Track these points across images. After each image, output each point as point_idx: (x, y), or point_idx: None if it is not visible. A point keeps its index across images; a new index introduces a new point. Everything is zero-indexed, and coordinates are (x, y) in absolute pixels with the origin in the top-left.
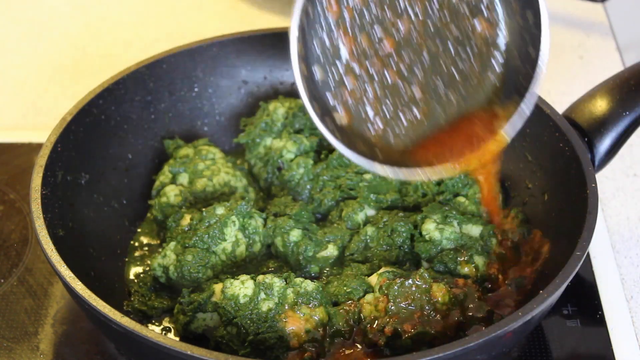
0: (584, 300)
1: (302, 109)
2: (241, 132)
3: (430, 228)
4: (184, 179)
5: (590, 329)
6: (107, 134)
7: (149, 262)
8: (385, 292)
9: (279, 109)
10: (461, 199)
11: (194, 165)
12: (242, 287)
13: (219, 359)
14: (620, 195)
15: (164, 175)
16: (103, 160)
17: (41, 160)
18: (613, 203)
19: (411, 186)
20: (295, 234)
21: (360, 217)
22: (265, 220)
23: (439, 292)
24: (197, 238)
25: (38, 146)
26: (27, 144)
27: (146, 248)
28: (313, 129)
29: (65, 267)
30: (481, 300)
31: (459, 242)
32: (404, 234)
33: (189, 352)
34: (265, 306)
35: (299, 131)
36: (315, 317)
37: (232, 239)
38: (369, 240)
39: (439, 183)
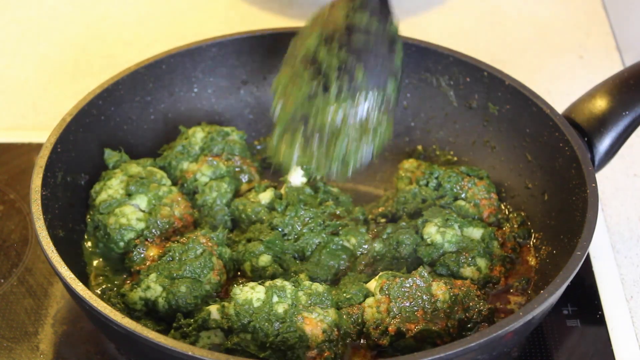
0: (584, 300)
1: (221, 133)
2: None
3: (431, 232)
4: (141, 201)
5: (590, 329)
6: (106, 134)
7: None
8: (387, 293)
9: (197, 133)
10: (461, 202)
11: (155, 190)
12: (253, 292)
13: (219, 359)
14: (620, 195)
15: (113, 190)
16: (103, 161)
17: (41, 160)
18: (613, 203)
19: (409, 194)
20: (264, 259)
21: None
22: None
23: (439, 290)
24: (188, 267)
25: (38, 146)
26: (27, 144)
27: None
28: (231, 154)
29: (66, 267)
30: (481, 298)
31: (461, 245)
32: (410, 247)
33: (189, 353)
34: (280, 308)
35: (216, 155)
36: (329, 318)
37: (218, 267)
38: (377, 257)
39: (437, 188)
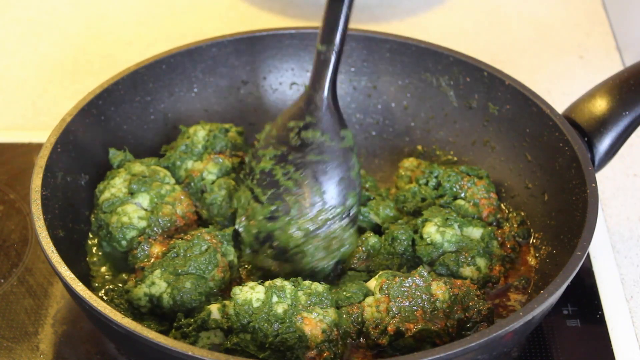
0: (584, 300)
1: (222, 130)
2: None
3: (431, 231)
4: (144, 199)
5: (590, 329)
6: (106, 134)
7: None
8: (387, 292)
9: (199, 132)
10: (460, 202)
11: (157, 189)
12: (253, 292)
13: (219, 359)
14: (620, 195)
15: (116, 189)
16: (103, 161)
17: (41, 161)
18: (613, 203)
19: (409, 192)
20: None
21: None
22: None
23: (439, 290)
24: (192, 264)
25: (38, 146)
26: (27, 144)
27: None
28: (235, 150)
29: (66, 267)
30: (481, 298)
31: (460, 245)
32: (405, 242)
33: (189, 353)
34: (280, 308)
35: (220, 152)
36: (328, 318)
37: (222, 264)
38: (371, 251)
39: (437, 187)
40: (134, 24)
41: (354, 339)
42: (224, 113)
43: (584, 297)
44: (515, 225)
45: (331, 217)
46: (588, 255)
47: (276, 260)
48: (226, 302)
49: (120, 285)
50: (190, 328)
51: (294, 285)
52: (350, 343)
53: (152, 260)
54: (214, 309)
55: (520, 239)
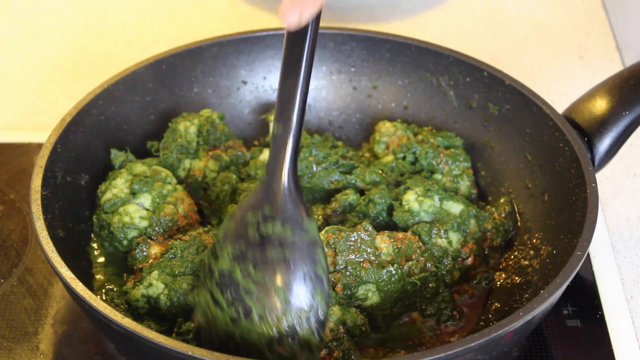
0: (584, 300)
1: (213, 123)
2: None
3: (410, 199)
4: (145, 199)
5: (590, 329)
6: (106, 134)
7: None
8: (333, 246)
9: (190, 128)
10: (438, 177)
11: (159, 189)
12: None
13: (220, 359)
14: (620, 195)
15: (117, 189)
16: (103, 161)
17: (41, 161)
18: (613, 203)
19: (387, 167)
20: None
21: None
22: None
23: (383, 243)
24: (189, 264)
25: (38, 146)
26: (27, 144)
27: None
28: (225, 140)
29: (66, 267)
30: (423, 250)
31: (436, 217)
32: (379, 207)
33: (189, 353)
34: None
35: (214, 146)
36: (334, 316)
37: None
38: (348, 207)
39: (414, 162)
40: (134, 24)
41: (358, 336)
42: (224, 113)
43: (584, 297)
44: (503, 215)
45: (295, 322)
46: (588, 255)
47: None
48: None
49: (118, 288)
50: (191, 335)
51: None
52: (356, 341)
53: (151, 261)
54: None
55: (504, 232)
